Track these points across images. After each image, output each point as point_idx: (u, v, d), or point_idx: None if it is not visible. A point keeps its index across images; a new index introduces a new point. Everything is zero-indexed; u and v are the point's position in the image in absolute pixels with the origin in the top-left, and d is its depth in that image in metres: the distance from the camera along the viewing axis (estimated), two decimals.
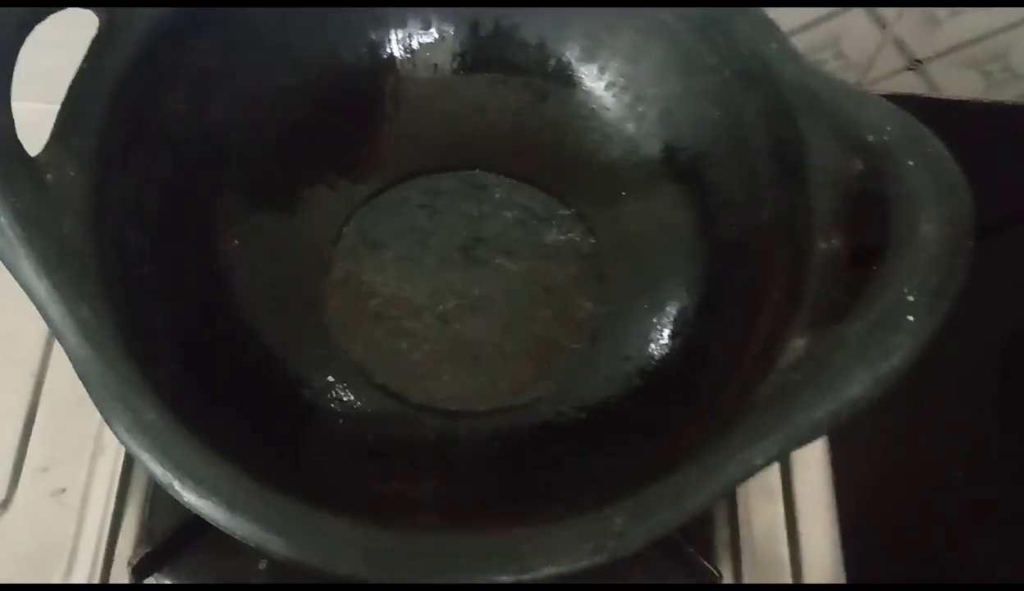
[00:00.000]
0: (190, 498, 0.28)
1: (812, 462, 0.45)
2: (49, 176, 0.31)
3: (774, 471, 0.46)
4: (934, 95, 0.66)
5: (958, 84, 0.66)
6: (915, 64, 0.64)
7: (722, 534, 0.43)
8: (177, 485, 0.28)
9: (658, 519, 0.28)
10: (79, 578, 0.41)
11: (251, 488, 0.28)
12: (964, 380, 0.54)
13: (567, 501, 0.31)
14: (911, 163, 0.30)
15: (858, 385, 0.27)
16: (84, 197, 0.32)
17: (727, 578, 0.42)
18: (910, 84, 0.66)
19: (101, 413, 0.28)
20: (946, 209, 0.28)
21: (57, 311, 0.29)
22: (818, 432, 0.28)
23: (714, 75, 0.40)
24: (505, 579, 0.28)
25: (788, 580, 0.43)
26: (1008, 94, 0.66)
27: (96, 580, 0.41)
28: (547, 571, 0.28)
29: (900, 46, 0.63)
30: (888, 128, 0.31)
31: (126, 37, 0.35)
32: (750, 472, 0.28)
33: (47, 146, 0.32)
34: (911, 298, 0.27)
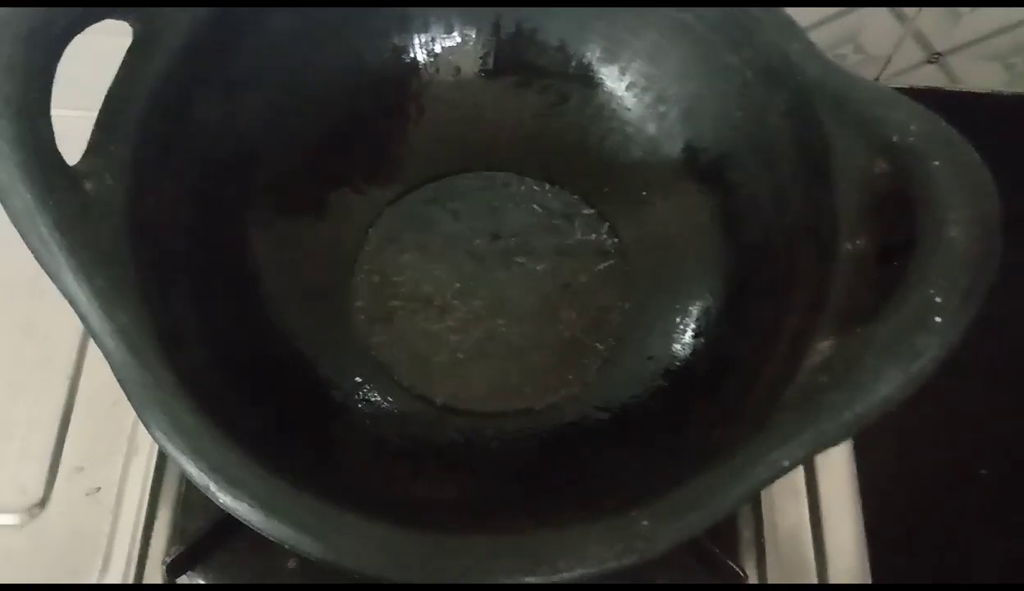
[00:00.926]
0: (226, 500, 0.28)
1: (837, 462, 0.45)
2: (88, 185, 0.32)
3: (799, 471, 0.46)
4: (955, 88, 0.66)
5: (979, 77, 0.65)
6: (936, 57, 0.64)
7: (747, 534, 0.43)
8: (213, 487, 0.28)
9: (685, 521, 0.28)
10: (114, 576, 0.42)
11: (285, 490, 0.29)
12: (989, 377, 0.53)
13: (593, 502, 0.31)
14: (937, 163, 0.29)
15: (886, 387, 0.27)
16: (122, 205, 0.33)
17: (752, 578, 0.42)
18: (930, 77, 0.65)
19: (140, 417, 0.29)
20: (974, 210, 0.28)
21: (97, 318, 0.30)
22: (846, 434, 0.28)
23: (736, 75, 0.40)
24: (533, 580, 0.28)
25: (813, 579, 0.43)
26: None
27: (131, 578, 0.42)
28: (575, 573, 0.28)
29: (920, 40, 0.63)
30: (913, 128, 0.31)
31: (160, 47, 0.36)
32: (777, 474, 0.28)
33: (85, 155, 0.33)
34: (939, 299, 0.27)
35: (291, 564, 0.41)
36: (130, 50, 0.35)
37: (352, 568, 0.28)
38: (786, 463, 0.28)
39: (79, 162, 0.32)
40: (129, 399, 0.29)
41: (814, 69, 0.36)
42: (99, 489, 0.44)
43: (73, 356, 0.47)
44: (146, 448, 0.45)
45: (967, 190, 0.29)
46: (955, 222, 0.28)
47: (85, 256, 0.30)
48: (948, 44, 0.63)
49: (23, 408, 0.45)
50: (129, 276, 0.31)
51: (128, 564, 0.42)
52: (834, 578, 0.43)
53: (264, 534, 0.28)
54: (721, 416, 0.35)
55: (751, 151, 0.41)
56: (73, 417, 0.45)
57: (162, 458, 0.44)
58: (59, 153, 0.31)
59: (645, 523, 0.28)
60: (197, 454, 0.28)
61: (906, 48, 0.64)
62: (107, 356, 0.30)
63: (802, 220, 0.36)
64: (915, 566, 0.47)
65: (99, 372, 0.46)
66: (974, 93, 0.65)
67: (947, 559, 0.49)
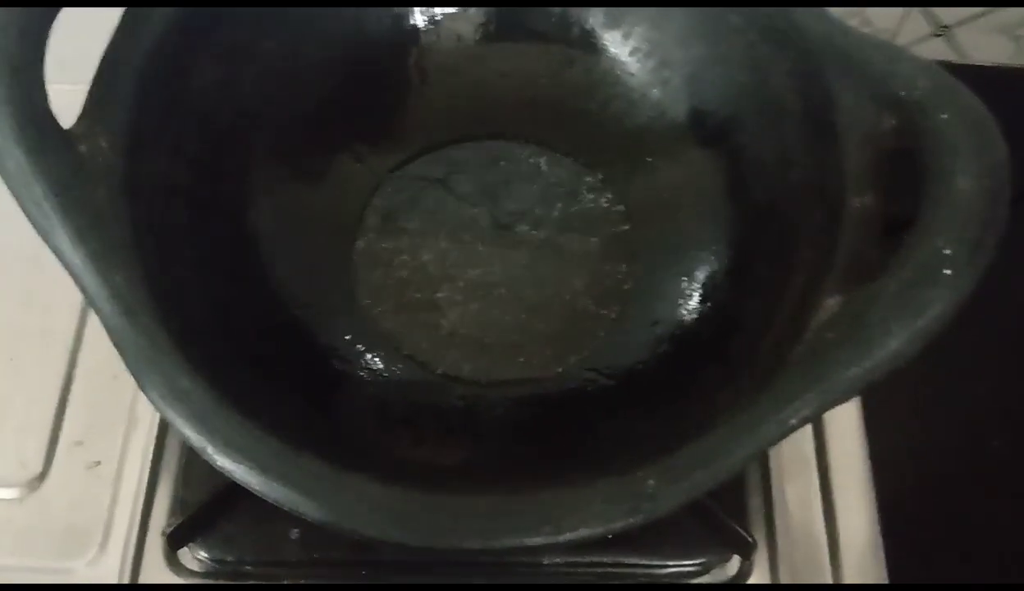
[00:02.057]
0: (223, 462, 0.28)
1: (846, 429, 0.45)
2: (82, 148, 0.31)
3: (808, 438, 0.45)
4: (962, 61, 0.65)
5: (987, 50, 0.64)
6: (943, 30, 0.63)
7: (756, 501, 0.43)
8: (210, 449, 0.28)
9: (691, 480, 0.28)
10: (115, 547, 0.42)
11: (283, 452, 0.28)
12: (1001, 348, 0.53)
13: (599, 464, 0.31)
14: (944, 116, 0.29)
15: (894, 341, 0.26)
16: (117, 168, 0.32)
17: (760, 545, 0.41)
18: (938, 51, 0.65)
19: (136, 380, 0.29)
20: (982, 160, 0.27)
21: (92, 280, 0.29)
22: (853, 391, 0.27)
23: (740, 37, 0.40)
24: (537, 541, 0.28)
25: (823, 547, 0.43)
26: None
27: (131, 550, 0.42)
28: (580, 533, 0.28)
29: (927, 13, 0.62)
30: (920, 82, 0.31)
31: (156, 12, 0.35)
32: (785, 433, 0.28)
33: (80, 118, 0.32)
34: (948, 251, 0.26)
35: (293, 534, 0.41)
36: (125, 14, 0.35)
37: (353, 530, 0.28)
38: (793, 421, 0.28)
39: (73, 125, 0.32)
40: (125, 362, 0.29)
41: (819, 27, 0.35)
42: (99, 463, 0.43)
43: (73, 329, 0.46)
44: (147, 421, 0.44)
45: (975, 141, 0.28)
46: (963, 172, 0.27)
47: (79, 218, 0.30)
48: (955, 17, 0.62)
49: (22, 381, 0.45)
50: (125, 239, 0.31)
51: (128, 537, 0.42)
52: (844, 546, 0.43)
53: (263, 496, 0.28)
54: (728, 378, 0.35)
55: (756, 113, 0.40)
56: (73, 390, 0.45)
57: (163, 430, 0.44)
58: (53, 115, 0.31)
59: (651, 482, 0.28)
60: (194, 417, 0.28)
61: (913, 21, 0.63)
62: (102, 319, 0.29)
63: (808, 179, 0.36)
64: (927, 535, 0.47)
65: (99, 345, 0.46)
66: (981, 66, 0.65)
67: (957, 529, 0.48)
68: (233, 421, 0.28)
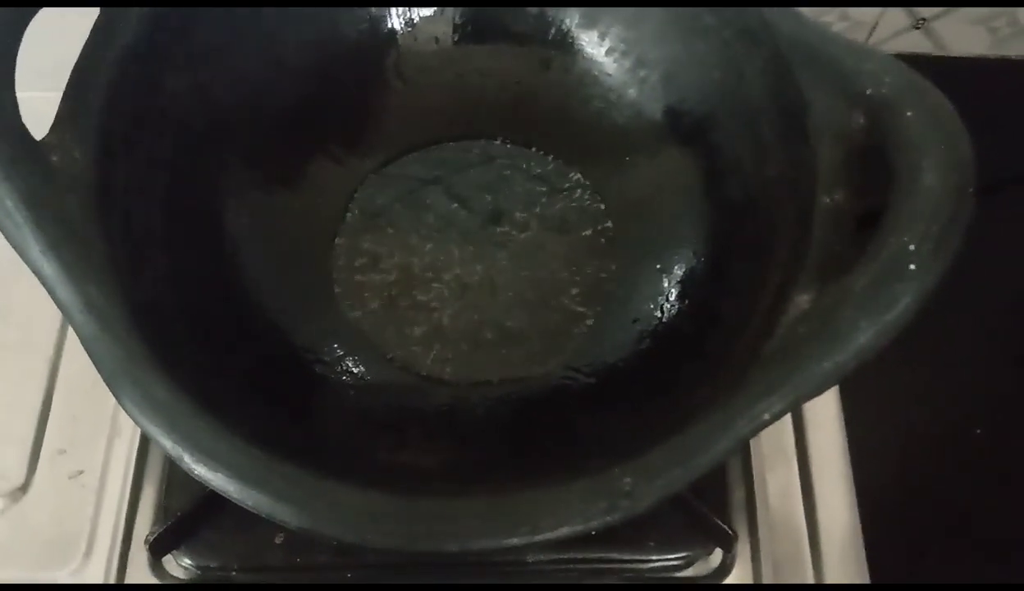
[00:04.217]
0: (200, 471, 0.28)
1: (825, 421, 0.45)
2: (54, 158, 0.31)
3: (788, 431, 0.46)
4: (941, 53, 0.65)
5: (964, 41, 0.65)
6: (921, 23, 0.64)
7: (737, 495, 0.43)
8: (187, 458, 0.28)
9: (668, 477, 0.28)
10: (99, 557, 0.42)
11: (260, 459, 0.28)
12: (981, 338, 0.53)
13: (578, 463, 0.31)
14: (910, 113, 0.29)
15: (863, 336, 0.27)
16: (90, 178, 0.32)
17: (742, 538, 0.42)
18: (917, 43, 0.65)
19: (110, 390, 0.29)
20: (946, 156, 0.27)
21: (65, 290, 0.29)
22: (825, 385, 0.28)
23: (714, 36, 0.40)
24: (516, 542, 0.28)
25: (804, 539, 0.43)
26: (1015, 49, 0.65)
27: (115, 559, 0.42)
28: (558, 532, 0.28)
29: (906, 5, 0.62)
30: (887, 80, 0.31)
31: (127, 19, 0.35)
32: (758, 427, 0.28)
33: (52, 129, 0.32)
34: (912, 247, 0.26)
35: (278, 540, 0.41)
36: (97, 23, 0.35)
37: (331, 536, 0.28)
38: (767, 416, 0.28)
39: (46, 136, 0.32)
40: (99, 372, 0.29)
41: (789, 26, 0.36)
42: (82, 472, 0.43)
43: (53, 338, 0.46)
44: (129, 429, 0.44)
45: (940, 138, 0.28)
46: (928, 168, 0.27)
47: (52, 230, 0.30)
48: (932, 10, 0.63)
49: (2, 391, 0.45)
50: (99, 249, 0.31)
51: (112, 546, 0.42)
52: (824, 537, 0.43)
53: (240, 504, 0.28)
54: (706, 375, 0.35)
55: (731, 111, 0.40)
56: (54, 399, 0.45)
57: (146, 439, 0.44)
58: (24, 126, 0.31)
59: (628, 479, 0.28)
60: (170, 426, 0.28)
61: (891, 14, 0.63)
62: (76, 330, 0.29)
63: (782, 177, 0.36)
64: (908, 525, 0.47)
65: (80, 353, 0.44)
66: (959, 57, 0.65)
67: (940, 519, 0.48)
68: (210, 429, 0.28)
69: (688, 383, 0.36)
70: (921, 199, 0.27)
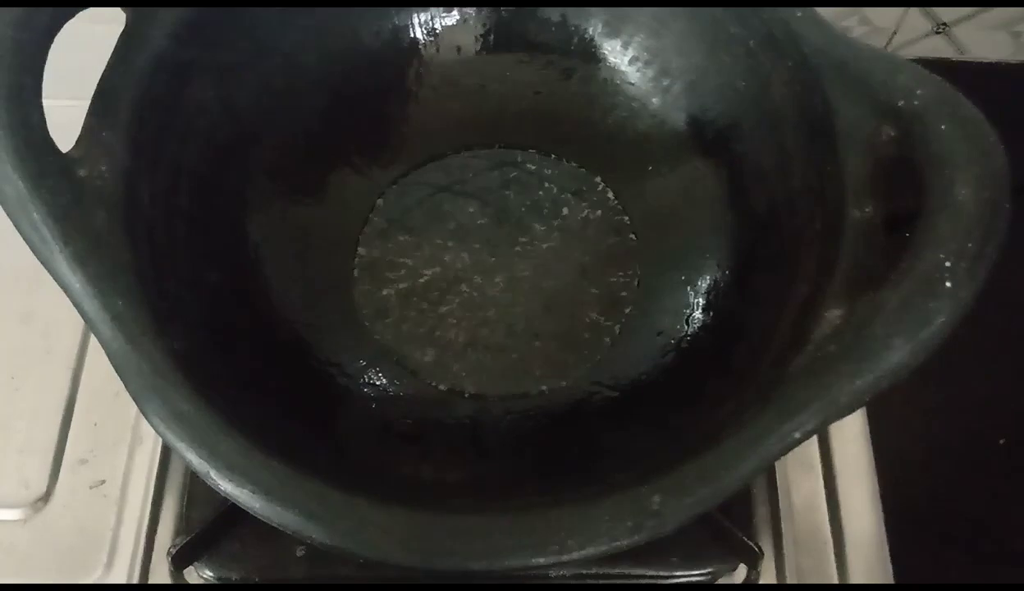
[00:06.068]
0: (226, 486, 0.28)
1: (851, 434, 0.45)
2: (81, 172, 0.31)
3: (813, 444, 0.45)
4: (962, 58, 0.65)
5: (986, 46, 0.64)
6: (942, 28, 0.63)
7: (762, 510, 0.43)
8: (213, 474, 0.28)
9: (697, 497, 0.28)
10: (120, 568, 0.42)
11: (286, 475, 0.28)
12: (1006, 346, 0.53)
13: (603, 479, 0.30)
14: (943, 127, 0.29)
15: (897, 354, 0.26)
16: (116, 191, 0.32)
17: (768, 553, 0.41)
18: (937, 48, 0.65)
19: (137, 404, 0.29)
20: (981, 171, 0.27)
21: (92, 305, 0.29)
22: (857, 403, 0.27)
23: (739, 45, 0.40)
24: (543, 561, 0.27)
25: (829, 552, 0.43)
26: None
27: (137, 572, 0.42)
28: (585, 552, 0.27)
29: (926, 10, 0.62)
30: (919, 92, 0.30)
31: (152, 30, 0.35)
32: (788, 447, 0.28)
33: (78, 142, 0.32)
34: (948, 263, 0.26)
35: (299, 552, 0.41)
36: (123, 36, 0.35)
37: (357, 553, 0.28)
38: (797, 435, 0.28)
39: (72, 148, 0.32)
40: (126, 386, 0.29)
41: (817, 37, 0.35)
42: (103, 482, 0.43)
43: (75, 347, 0.46)
44: (150, 439, 0.44)
45: (974, 151, 0.28)
46: (963, 183, 0.27)
47: (79, 244, 0.30)
48: (954, 15, 0.62)
49: (25, 401, 0.45)
50: (125, 262, 0.31)
51: (134, 557, 0.42)
52: (850, 549, 0.42)
53: (265, 520, 0.28)
54: (732, 390, 0.35)
55: (756, 122, 0.40)
56: (76, 409, 0.45)
57: (167, 448, 0.44)
58: (51, 140, 0.31)
59: (656, 499, 0.28)
60: (196, 441, 0.28)
61: (912, 19, 0.63)
62: (102, 343, 0.29)
63: (809, 189, 0.36)
64: (934, 537, 0.47)
65: (101, 363, 0.44)
66: (981, 62, 0.64)
67: (964, 530, 0.48)
68: (235, 444, 0.28)
69: (714, 398, 0.35)
70: (956, 214, 0.27)
